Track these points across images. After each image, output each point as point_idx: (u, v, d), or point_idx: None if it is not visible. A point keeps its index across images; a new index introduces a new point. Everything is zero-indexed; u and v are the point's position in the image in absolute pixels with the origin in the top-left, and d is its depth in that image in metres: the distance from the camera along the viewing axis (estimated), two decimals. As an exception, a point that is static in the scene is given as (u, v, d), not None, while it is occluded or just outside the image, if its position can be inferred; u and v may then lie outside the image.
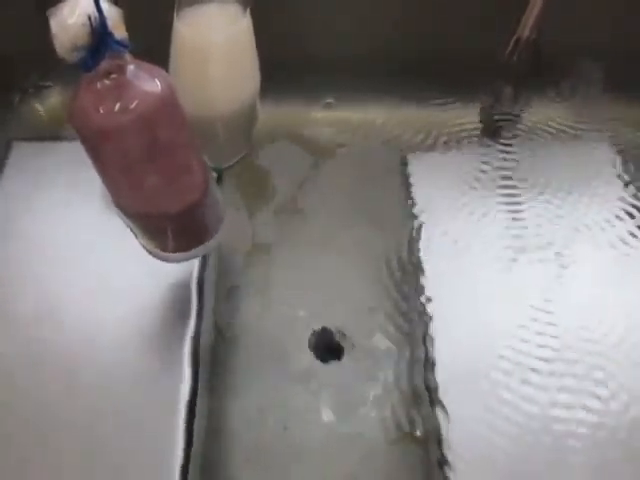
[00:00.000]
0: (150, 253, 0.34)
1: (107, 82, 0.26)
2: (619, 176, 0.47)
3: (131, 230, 0.33)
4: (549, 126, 0.51)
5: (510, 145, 0.49)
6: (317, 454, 0.35)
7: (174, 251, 0.34)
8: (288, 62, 0.47)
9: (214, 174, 0.33)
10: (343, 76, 0.51)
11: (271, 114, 0.49)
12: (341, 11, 0.51)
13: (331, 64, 0.50)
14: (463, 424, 0.35)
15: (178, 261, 0.35)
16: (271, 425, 0.36)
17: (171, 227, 0.32)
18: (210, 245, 0.34)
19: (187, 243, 0.34)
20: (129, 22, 0.27)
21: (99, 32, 0.25)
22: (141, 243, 0.34)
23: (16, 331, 0.38)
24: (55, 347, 0.37)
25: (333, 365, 0.38)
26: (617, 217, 0.44)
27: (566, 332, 0.38)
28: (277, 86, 0.46)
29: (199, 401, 0.35)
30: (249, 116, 0.45)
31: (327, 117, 0.52)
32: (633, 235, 0.43)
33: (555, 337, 0.38)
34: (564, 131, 0.51)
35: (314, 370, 0.38)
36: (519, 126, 0.51)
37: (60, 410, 0.34)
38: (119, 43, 0.26)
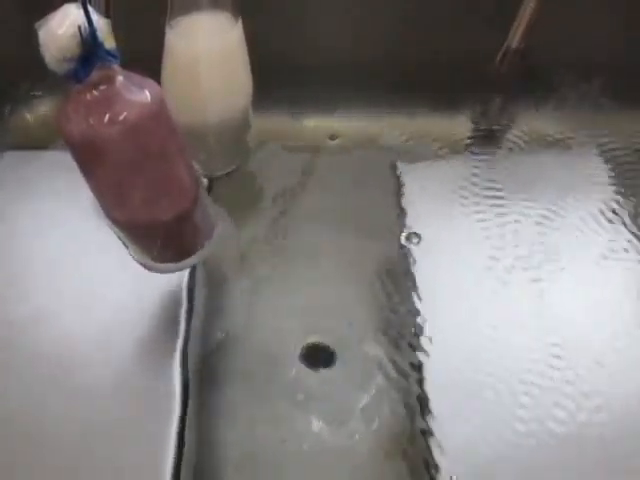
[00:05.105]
0: (140, 264, 0.34)
1: (96, 93, 0.26)
2: (609, 186, 0.47)
3: (121, 241, 0.33)
4: (538, 136, 0.51)
5: (499, 155, 0.50)
6: (308, 464, 0.35)
7: (164, 262, 0.34)
8: (280, 70, 0.47)
9: (205, 183, 0.33)
10: (335, 85, 0.51)
11: (263, 122, 0.49)
12: (335, 21, 0.51)
13: (323, 73, 0.51)
14: (455, 436, 0.35)
15: (169, 272, 0.34)
16: (261, 436, 0.35)
17: (161, 237, 0.31)
18: (200, 255, 0.34)
19: (177, 253, 0.34)
20: (121, 32, 0.27)
21: (89, 43, 0.25)
22: (131, 254, 0.34)
23: (2, 339, 0.37)
24: (42, 356, 0.36)
25: (323, 375, 0.38)
26: (608, 227, 0.44)
27: (560, 343, 0.38)
28: (269, 94, 0.46)
29: (189, 411, 0.35)
30: (241, 125, 0.45)
31: (319, 126, 0.52)
32: (625, 245, 0.43)
33: (550, 347, 0.38)
34: (553, 141, 0.51)
35: (304, 380, 0.37)
36: (508, 136, 0.51)
37: (47, 420, 0.34)
38: (109, 54, 0.26)
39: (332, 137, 0.51)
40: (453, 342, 0.38)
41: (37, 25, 0.25)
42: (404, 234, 0.44)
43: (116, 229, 0.31)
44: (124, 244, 0.33)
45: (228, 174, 0.48)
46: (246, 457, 0.35)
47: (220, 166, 0.47)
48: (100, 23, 0.26)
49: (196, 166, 0.32)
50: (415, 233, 0.44)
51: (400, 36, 0.51)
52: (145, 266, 0.34)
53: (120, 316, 0.38)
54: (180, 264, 0.34)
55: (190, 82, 0.41)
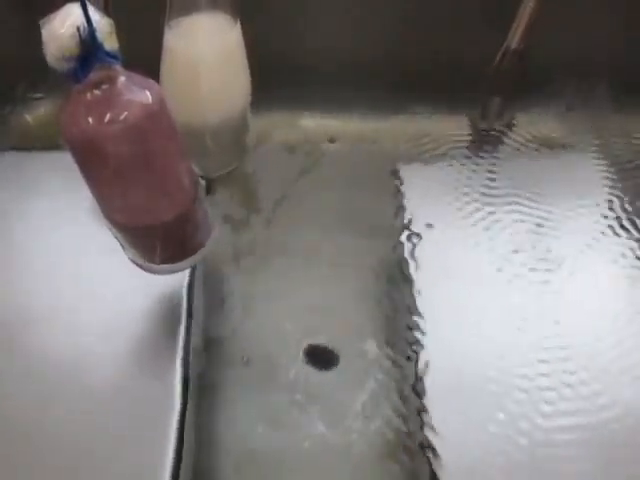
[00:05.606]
0: (138, 266, 0.34)
1: (97, 93, 0.26)
2: (609, 187, 0.47)
3: (119, 242, 0.33)
4: (538, 137, 0.51)
5: (498, 157, 0.50)
6: (308, 464, 0.35)
7: (162, 263, 0.34)
8: (280, 70, 0.47)
9: (203, 184, 0.33)
10: (334, 85, 0.51)
11: (263, 122, 0.49)
12: (335, 21, 0.51)
13: (323, 73, 0.51)
14: (452, 437, 0.35)
15: (166, 273, 0.34)
16: (261, 436, 0.35)
17: (159, 238, 0.31)
18: (199, 256, 0.34)
19: (175, 255, 0.34)
20: (121, 32, 0.27)
21: (88, 43, 0.25)
22: (129, 256, 0.34)
23: (2, 339, 0.37)
24: (42, 356, 0.36)
25: (323, 376, 0.38)
26: (606, 230, 0.44)
27: (562, 344, 0.38)
28: (269, 94, 0.46)
29: (189, 412, 0.35)
30: (240, 126, 0.45)
31: (318, 127, 0.52)
32: (625, 246, 0.43)
33: (551, 349, 0.38)
34: (553, 142, 0.51)
35: (303, 381, 0.38)
36: (508, 136, 0.51)
37: (47, 420, 0.34)
38: (109, 54, 0.26)
39: (331, 139, 0.51)
40: (453, 343, 0.38)
41: (41, 23, 0.25)
42: (404, 234, 0.44)
43: (115, 231, 0.31)
44: (122, 246, 0.33)
45: (227, 175, 0.48)
46: (246, 457, 0.35)
47: (218, 167, 0.47)
48: (101, 24, 0.26)
49: (194, 167, 0.32)
50: (415, 233, 0.44)
51: (400, 36, 0.51)
52: (142, 267, 0.34)
53: (120, 316, 0.38)
54: (177, 265, 0.34)
55: (189, 83, 0.41)
